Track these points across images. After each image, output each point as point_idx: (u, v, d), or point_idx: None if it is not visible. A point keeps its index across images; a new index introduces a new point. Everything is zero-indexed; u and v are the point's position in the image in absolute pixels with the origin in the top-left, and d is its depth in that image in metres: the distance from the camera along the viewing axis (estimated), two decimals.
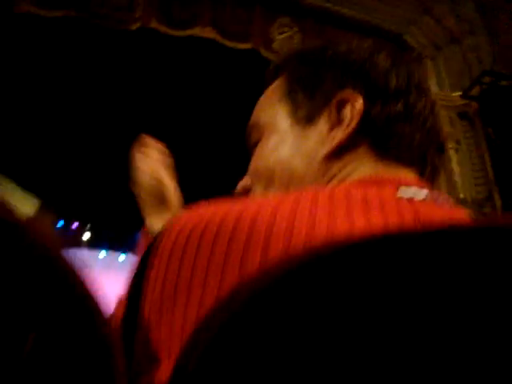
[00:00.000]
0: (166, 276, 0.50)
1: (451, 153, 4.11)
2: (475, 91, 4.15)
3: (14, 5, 3.16)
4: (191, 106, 4.48)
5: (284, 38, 4.01)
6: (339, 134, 0.65)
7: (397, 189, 0.57)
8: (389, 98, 0.66)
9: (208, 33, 3.85)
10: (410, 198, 0.55)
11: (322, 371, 0.25)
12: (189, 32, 3.81)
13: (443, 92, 4.29)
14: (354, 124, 0.64)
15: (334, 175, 0.65)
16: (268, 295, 0.28)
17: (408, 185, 0.58)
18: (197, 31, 3.84)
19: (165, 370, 0.47)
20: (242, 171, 0.74)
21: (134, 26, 3.71)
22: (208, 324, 0.30)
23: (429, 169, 0.68)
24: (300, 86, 0.70)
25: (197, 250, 0.49)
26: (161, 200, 1.10)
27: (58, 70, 3.86)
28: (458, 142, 4.17)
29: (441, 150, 0.70)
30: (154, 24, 3.75)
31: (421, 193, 0.57)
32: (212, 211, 0.52)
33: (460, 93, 4.21)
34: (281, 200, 0.51)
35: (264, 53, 3.94)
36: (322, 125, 0.66)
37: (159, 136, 1.18)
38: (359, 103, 0.65)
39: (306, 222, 0.47)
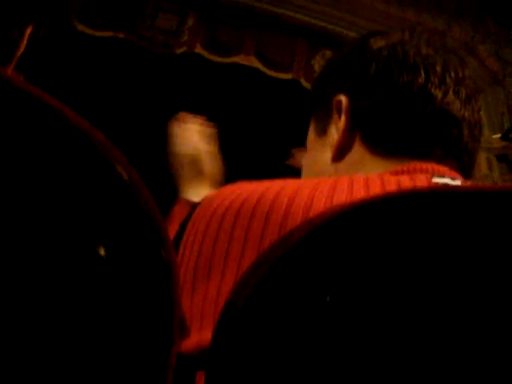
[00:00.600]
0: (202, 246, 0.51)
1: None
2: None
3: (67, 22, 3.28)
4: (228, 133, 4.53)
5: None
6: (335, 136, 0.67)
7: (430, 177, 0.57)
8: (369, 86, 0.65)
9: (251, 61, 3.90)
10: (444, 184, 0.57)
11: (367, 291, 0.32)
12: (232, 59, 3.87)
13: (483, 133, 4.24)
14: (342, 122, 0.66)
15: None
16: (315, 238, 0.33)
17: (440, 174, 0.59)
18: (239, 59, 3.89)
19: (195, 340, 0.47)
20: None
21: (179, 51, 3.79)
22: (258, 265, 0.32)
23: (439, 151, 0.64)
24: (317, 103, 0.74)
25: (234, 222, 0.50)
26: (198, 171, 1.07)
27: (102, 88, 3.96)
28: None
29: (454, 123, 0.64)
30: (198, 49, 3.82)
31: (454, 182, 0.58)
32: (251, 188, 0.54)
33: (499, 135, 4.16)
34: (318, 183, 0.54)
35: (305, 84, 3.96)
36: (332, 132, 0.69)
37: None
38: (343, 101, 0.66)
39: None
